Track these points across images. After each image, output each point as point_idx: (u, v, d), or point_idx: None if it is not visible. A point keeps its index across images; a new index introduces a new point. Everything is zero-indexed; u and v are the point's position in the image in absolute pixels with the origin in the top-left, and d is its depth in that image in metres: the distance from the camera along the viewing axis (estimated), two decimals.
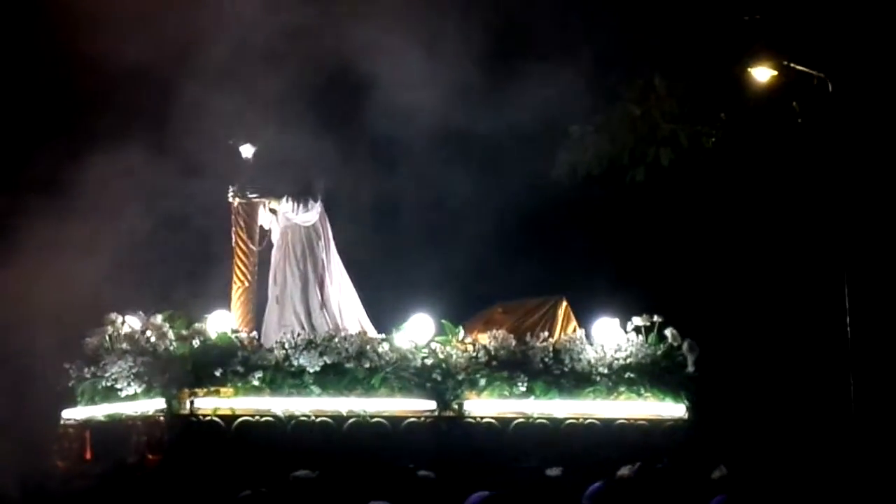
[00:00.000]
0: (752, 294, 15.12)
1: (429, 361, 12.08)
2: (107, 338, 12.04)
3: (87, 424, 12.02)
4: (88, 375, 12.06)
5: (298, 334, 11.71)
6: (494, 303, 14.46)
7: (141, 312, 11.94)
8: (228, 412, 11.10)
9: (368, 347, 11.69)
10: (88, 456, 11.77)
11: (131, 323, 12.23)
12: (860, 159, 14.29)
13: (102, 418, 11.87)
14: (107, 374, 11.70)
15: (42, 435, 12.66)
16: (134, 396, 11.45)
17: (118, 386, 11.53)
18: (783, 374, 14.97)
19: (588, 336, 13.17)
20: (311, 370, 11.39)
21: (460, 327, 12.67)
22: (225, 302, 12.47)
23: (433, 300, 13.28)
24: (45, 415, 12.70)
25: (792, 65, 12.77)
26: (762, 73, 13.00)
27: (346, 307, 12.76)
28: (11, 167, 13.40)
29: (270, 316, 12.58)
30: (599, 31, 12.61)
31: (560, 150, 13.28)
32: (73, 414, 12.43)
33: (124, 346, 11.92)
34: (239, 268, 12.43)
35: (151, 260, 12.93)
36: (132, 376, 11.47)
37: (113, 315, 12.23)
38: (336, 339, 11.62)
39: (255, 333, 11.84)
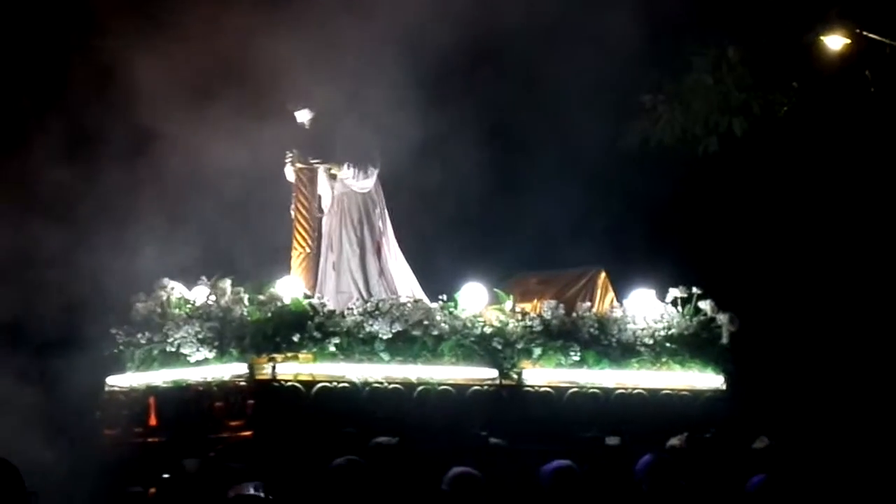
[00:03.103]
0: (810, 268, 15.21)
1: (488, 330, 12.11)
2: (162, 303, 11.92)
3: (145, 391, 11.83)
4: (144, 341, 11.89)
5: (367, 301, 11.68)
6: (515, 272, 14.50)
7: (204, 278, 11.81)
8: (308, 378, 11.04)
9: (437, 315, 11.69)
10: (154, 422, 11.60)
11: (180, 290, 12.13)
12: None
13: (164, 384, 11.70)
14: (169, 340, 11.56)
15: (86, 402, 12.51)
16: (204, 362, 11.31)
17: (185, 351, 11.39)
18: (826, 348, 15.17)
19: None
20: (384, 337, 11.36)
21: (511, 296, 12.71)
22: (280, 269, 12.39)
23: (458, 268, 13.35)
24: (89, 382, 12.55)
25: (865, 33, 12.79)
26: (835, 42, 12.96)
27: (400, 275, 12.73)
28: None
29: (326, 283, 12.49)
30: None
31: (632, 119, 13.23)
32: (121, 381, 12.26)
33: (177, 311, 11.82)
34: (300, 233, 12.31)
35: (198, 227, 12.83)
36: (199, 342, 11.35)
37: (165, 280, 12.11)
38: (407, 306, 11.60)
39: (326, 299, 11.74)
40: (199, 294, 11.97)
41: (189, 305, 11.84)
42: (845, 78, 13.14)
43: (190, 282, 12.23)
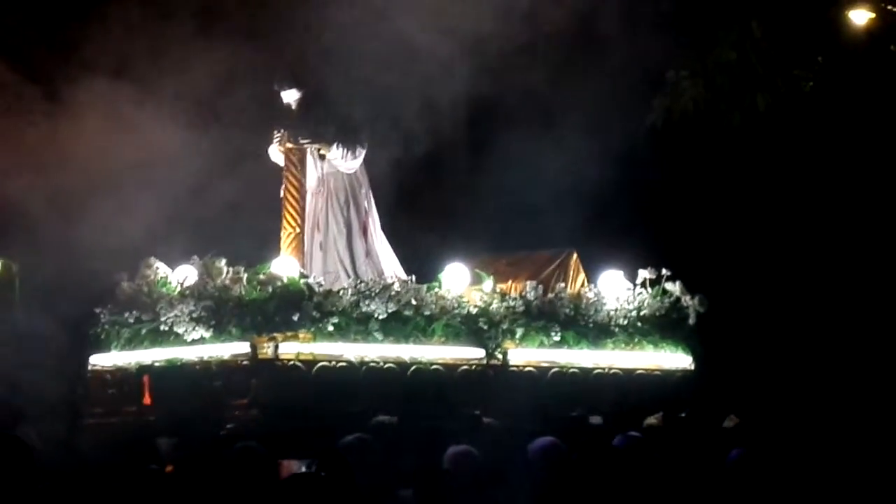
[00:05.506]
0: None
1: (473, 310, 12.27)
2: (149, 282, 11.90)
3: (136, 370, 11.79)
4: (132, 321, 11.87)
5: (359, 281, 11.76)
6: (480, 254, 14.56)
7: (196, 257, 11.79)
8: (309, 357, 11.11)
9: (428, 295, 11.82)
10: (148, 401, 11.57)
11: (163, 269, 12.12)
12: None
13: (157, 364, 11.67)
14: (162, 319, 11.54)
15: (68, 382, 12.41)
16: (200, 341, 11.31)
17: (178, 330, 11.38)
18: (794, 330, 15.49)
19: None
20: (380, 317, 11.46)
21: (491, 277, 12.86)
22: (262, 248, 12.43)
23: (427, 249, 13.48)
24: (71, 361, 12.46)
25: (891, 7, 12.78)
26: (860, 16, 12.91)
27: (385, 255, 12.83)
28: None
29: (313, 263, 12.53)
30: None
31: (657, 95, 13.17)
32: (104, 360, 12.22)
33: (163, 290, 11.82)
34: (290, 214, 12.37)
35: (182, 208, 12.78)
36: (193, 321, 11.34)
37: (151, 259, 12.10)
38: (399, 287, 11.71)
39: (321, 279, 11.78)
40: (182, 273, 11.95)
41: (172, 284, 11.83)
42: (871, 53, 13.09)
43: (171, 261, 12.22)
